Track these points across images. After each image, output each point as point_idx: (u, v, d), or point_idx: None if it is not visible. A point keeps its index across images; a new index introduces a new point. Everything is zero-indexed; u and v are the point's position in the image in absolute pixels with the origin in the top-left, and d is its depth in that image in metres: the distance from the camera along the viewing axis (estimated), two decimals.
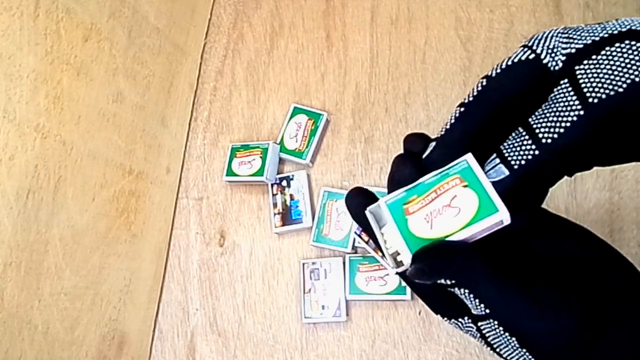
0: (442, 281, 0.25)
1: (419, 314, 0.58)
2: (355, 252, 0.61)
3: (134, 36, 0.60)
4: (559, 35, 0.26)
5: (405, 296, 0.57)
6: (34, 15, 0.46)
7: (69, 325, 0.52)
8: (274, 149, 0.65)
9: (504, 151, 0.26)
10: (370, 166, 0.64)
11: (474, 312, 0.26)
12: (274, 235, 0.65)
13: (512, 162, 0.26)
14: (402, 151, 0.29)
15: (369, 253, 0.58)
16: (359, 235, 0.58)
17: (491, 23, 0.64)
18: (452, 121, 0.27)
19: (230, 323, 0.64)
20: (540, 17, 0.62)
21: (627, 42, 0.24)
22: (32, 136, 0.46)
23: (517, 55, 0.26)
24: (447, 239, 0.25)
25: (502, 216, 0.24)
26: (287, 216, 0.63)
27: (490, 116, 0.26)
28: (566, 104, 0.24)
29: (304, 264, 0.61)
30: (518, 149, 0.26)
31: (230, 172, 0.66)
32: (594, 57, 0.24)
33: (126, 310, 0.60)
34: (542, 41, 0.26)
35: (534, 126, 0.25)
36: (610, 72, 0.23)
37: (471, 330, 0.27)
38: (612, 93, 0.23)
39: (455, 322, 0.28)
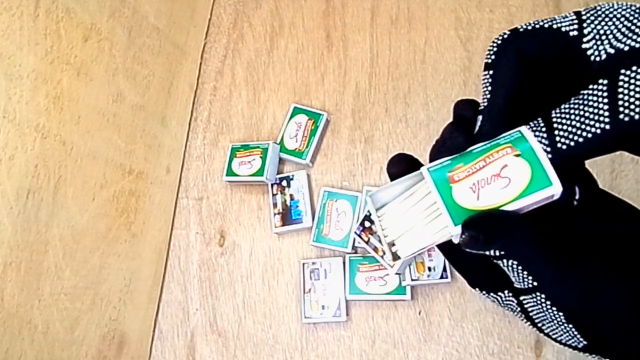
0: (491, 252, 0.23)
1: (419, 314, 0.58)
2: (355, 252, 0.61)
3: (134, 36, 0.60)
4: (621, 18, 0.22)
5: (405, 296, 0.57)
6: (34, 15, 0.46)
7: (69, 325, 0.52)
8: (274, 149, 0.65)
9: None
10: (370, 166, 0.64)
11: (517, 285, 0.25)
12: (274, 235, 0.65)
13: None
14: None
15: (369, 253, 0.58)
16: (359, 235, 0.58)
17: (491, 23, 0.64)
18: (489, 87, 0.25)
19: (230, 323, 0.64)
20: (540, 17, 0.62)
21: None
22: (32, 136, 0.46)
23: (559, 22, 0.23)
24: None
25: (555, 190, 0.22)
26: (287, 216, 0.63)
27: (521, 77, 0.24)
28: (595, 111, 0.22)
29: (304, 264, 0.61)
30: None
31: (230, 172, 0.66)
32: None
33: (126, 310, 0.60)
34: (596, 19, 0.23)
35: (554, 124, 0.23)
36: None
37: (511, 304, 0.26)
38: None
39: (495, 296, 0.27)
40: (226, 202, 0.68)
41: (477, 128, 0.25)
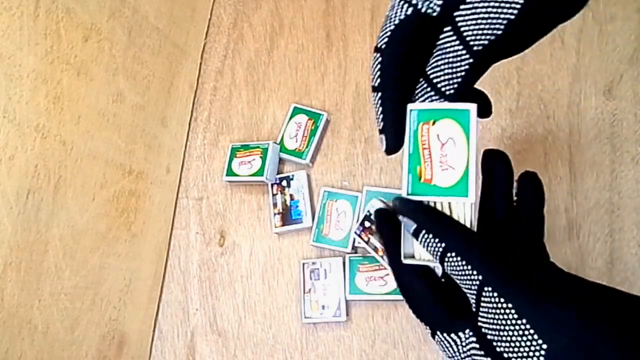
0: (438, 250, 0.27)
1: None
2: (355, 252, 0.61)
3: (134, 36, 0.60)
4: None
5: None
6: (34, 15, 0.46)
7: (69, 325, 0.52)
8: (274, 149, 0.65)
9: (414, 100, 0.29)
10: (370, 166, 0.64)
11: (467, 292, 0.26)
12: (274, 235, 0.65)
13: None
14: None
15: (369, 253, 0.58)
16: (359, 235, 0.58)
17: None
18: (380, 109, 0.29)
19: (230, 323, 0.64)
20: None
21: None
22: (32, 136, 0.46)
23: (396, 15, 0.27)
24: None
25: (470, 200, 0.28)
26: (287, 216, 0.63)
27: (402, 82, 0.28)
28: (455, 54, 0.26)
29: (304, 264, 0.61)
30: (426, 101, 0.28)
31: (230, 172, 0.66)
32: (469, 0, 0.25)
33: (126, 310, 0.60)
34: None
35: (434, 79, 0.27)
36: (486, 14, 0.24)
37: (472, 345, 0.26)
38: (493, 38, 0.24)
39: (455, 337, 0.27)
40: (226, 202, 0.68)
41: (382, 148, 0.30)
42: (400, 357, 0.57)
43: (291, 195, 0.64)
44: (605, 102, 0.58)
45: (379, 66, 0.28)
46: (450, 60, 0.26)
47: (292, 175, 0.65)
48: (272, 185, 0.65)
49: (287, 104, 0.69)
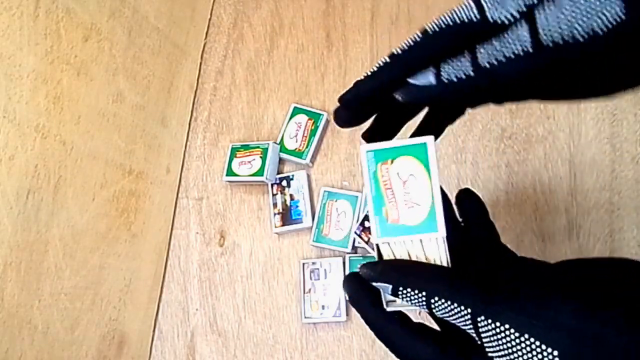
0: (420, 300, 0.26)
1: (419, 314, 0.58)
2: (355, 252, 0.61)
3: (134, 36, 0.60)
4: None
5: None
6: (34, 15, 0.46)
7: (69, 325, 0.52)
8: (274, 149, 0.65)
9: (442, 64, 0.26)
10: None
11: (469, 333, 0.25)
12: (274, 235, 0.65)
13: (443, 75, 0.25)
14: None
15: (369, 253, 0.58)
16: (359, 235, 0.58)
17: None
18: (374, 80, 0.28)
19: (230, 323, 0.64)
20: None
21: None
22: (32, 136, 0.46)
23: (460, 12, 0.25)
24: None
25: (441, 234, 0.28)
26: (287, 216, 0.63)
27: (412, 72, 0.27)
28: (515, 33, 0.23)
29: (304, 264, 0.61)
30: (454, 64, 0.25)
31: (230, 172, 0.66)
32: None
33: (126, 310, 0.60)
34: None
35: (478, 48, 0.24)
36: (570, 13, 0.22)
37: None
38: (570, 41, 0.22)
39: None
40: (226, 202, 0.68)
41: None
42: None
43: (291, 195, 0.64)
44: (605, 102, 0.58)
45: (412, 44, 0.26)
46: (508, 38, 0.23)
47: (292, 175, 0.65)
48: (272, 185, 0.65)
49: (287, 104, 0.69)
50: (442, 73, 0.25)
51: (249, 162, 0.65)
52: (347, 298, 0.31)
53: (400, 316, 0.28)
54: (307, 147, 0.65)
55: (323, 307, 0.59)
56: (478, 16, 0.24)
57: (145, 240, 0.64)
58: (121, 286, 0.59)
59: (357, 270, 0.28)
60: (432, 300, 0.26)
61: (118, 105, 0.57)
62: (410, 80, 0.26)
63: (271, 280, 0.64)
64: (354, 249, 0.61)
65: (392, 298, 0.28)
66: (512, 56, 0.23)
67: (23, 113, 0.45)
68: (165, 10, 0.66)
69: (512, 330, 0.23)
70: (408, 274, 0.27)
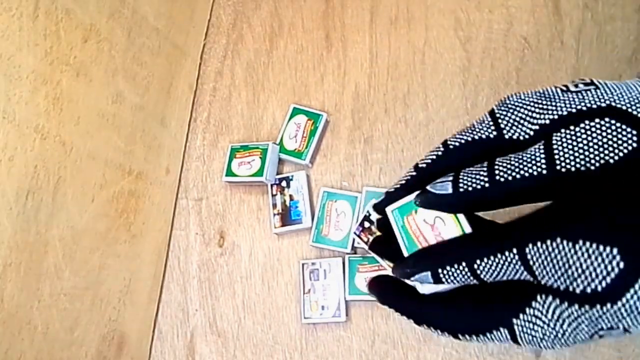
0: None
1: None
2: (355, 253, 0.61)
3: (133, 37, 0.60)
4: (529, 104, 0.26)
5: None
6: (34, 16, 0.46)
7: (69, 325, 0.52)
8: (274, 149, 0.65)
9: (461, 173, 0.28)
10: (369, 166, 0.64)
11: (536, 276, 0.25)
12: (273, 236, 0.65)
13: (461, 185, 0.27)
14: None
15: (369, 253, 0.58)
16: (359, 236, 0.58)
17: (490, 24, 0.64)
18: (408, 180, 0.30)
19: (230, 323, 0.64)
20: (540, 18, 0.62)
21: (607, 119, 0.23)
22: (31, 137, 0.46)
23: (479, 131, 0.27)
24: None
25: None
26: (287, 216, 0.63)
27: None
28: (533, 157, 0.25)
29: (303, 265, 0.61)
30: (472, 176, 0.27)
31: (229, 173, 0.66)
32: (572, 127, 0.24)
33: (126, 311, 0.60)
34: (508, 112, 0.26)
35: (496, 163, 0.26)
36: (585, 147, 0.23)
37: (556, 308, 0.25)
38: (582, 169, 0.23)
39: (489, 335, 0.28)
40: (226, 203, 0.68)
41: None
42: (400, 358, 0.57)
43: (291, 196, 0.64)
44: None
45: (435, 158, 0.29)
46: (525, 158, 0.25)
47: (292, 176, 0.65)
48: (271, 185, 0.65)
49: (286, 105, 0.69)
50: (460, 183, 0.27)
51: (249, 162, 0.65)
52: (378, 301, 0.34)
53: (437, 295, 0.30)
54: (306, 147, 0.65)
55: (323, 307, 0.59)
56: (496, 134, 0.27)
57: (144, 241, 0.64)
58: (121, 287, 0.59)
59: (375, 274, 0.31)
60: (476, 266, 0.26)
61: (117, 105, 0.58)
62: (430, 189, 0.28)
63: (271, 281, 0.64)
64: (354, 249, 0.61)
65: (425, 291, 0.30)
66: (527, 175, 0.25)
67: (22, 114, 0.45)
68: (165, 11, 0.66)
69: (565, 243, 0.23)
70: (439, 253, 0.28)
